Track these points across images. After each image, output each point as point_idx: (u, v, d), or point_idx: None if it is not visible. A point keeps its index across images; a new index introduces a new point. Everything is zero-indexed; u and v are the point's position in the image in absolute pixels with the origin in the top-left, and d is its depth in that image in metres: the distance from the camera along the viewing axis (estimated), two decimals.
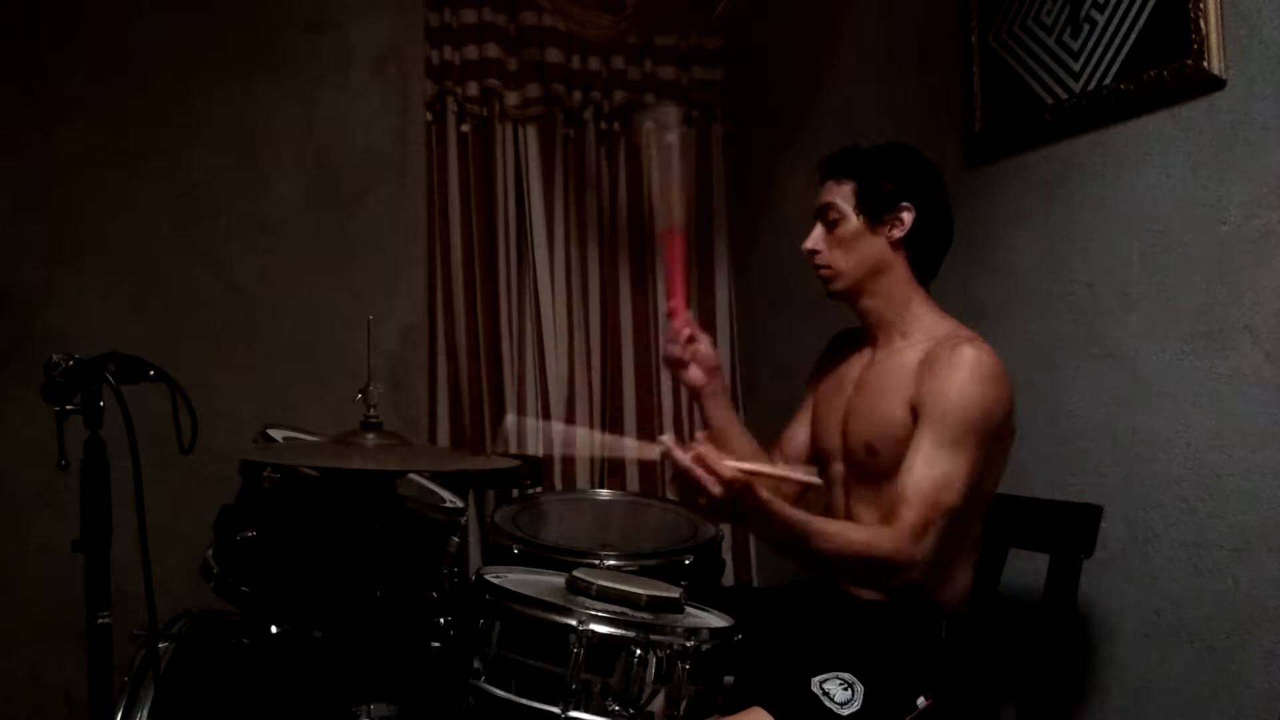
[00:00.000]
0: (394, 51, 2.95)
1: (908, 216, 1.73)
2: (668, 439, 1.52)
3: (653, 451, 1.60)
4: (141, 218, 2.76)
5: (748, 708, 1.53)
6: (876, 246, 1.74)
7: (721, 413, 1.94)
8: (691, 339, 1.89)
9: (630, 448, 1.73)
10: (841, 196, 1.76)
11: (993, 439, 1.63)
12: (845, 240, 1.75)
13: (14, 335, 2.64)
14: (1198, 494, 1.73)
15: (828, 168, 1.80)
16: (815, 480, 1.56)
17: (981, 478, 1.63)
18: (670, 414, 3.06)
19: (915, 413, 1.64)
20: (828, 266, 1.78)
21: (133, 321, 2.71)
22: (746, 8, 2.58)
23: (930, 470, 1.58)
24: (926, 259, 1.77)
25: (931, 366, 1.64)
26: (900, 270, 1.75)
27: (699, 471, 1.46)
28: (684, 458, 1.47)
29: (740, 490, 1.46)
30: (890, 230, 1.73)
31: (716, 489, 1.45)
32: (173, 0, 2.80)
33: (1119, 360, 1.88)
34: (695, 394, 1.94)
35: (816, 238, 1.78)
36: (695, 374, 1.90)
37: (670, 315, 1.91)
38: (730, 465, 1.47)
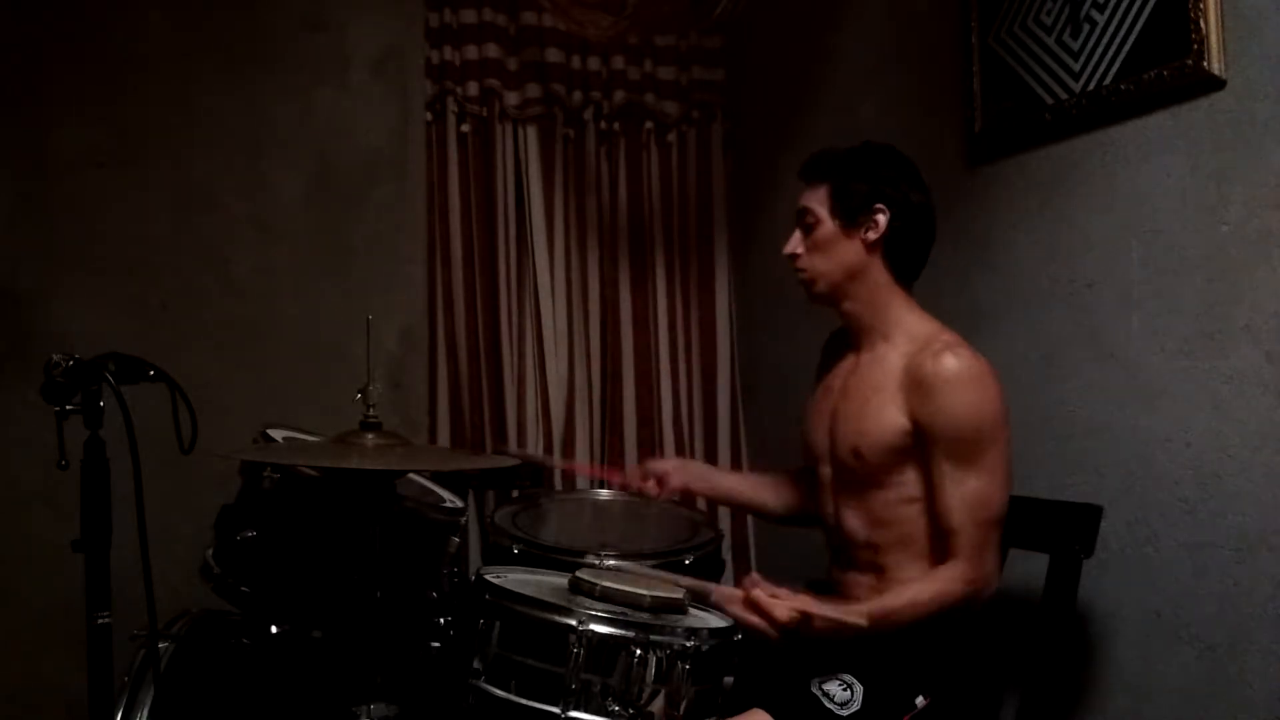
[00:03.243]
0: (394, 51, 2.95)
1: (882, 219, 1.72)
2: (717, 591, 1.62)
3: (706, 587, 1.69)
4: (141, 218, 2.76)
5: (748, 709, 1.53)
6: (852, 250, 1.74)
7: (712, 485, 2.16)
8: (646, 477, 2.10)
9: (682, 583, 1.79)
10: (817, 200, 1.76)
11: (1004, 436, 1.64)
12: (822, 244, 1.75)
13: (14, 335, 2.64)
14: (1198, 494, 1.73)
15: (804, 171, 1.81)
16: (864, 623, 1.55)
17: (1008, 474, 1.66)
18: (670, 414, 3.05)
19: (918, 432, 1.64)
20: (805, 270, 1.78)
21: (133, 321, 2.71)
22: (746, 8, 2.58)
23: (961, 492, 1.61)
24: (906, 260, 1.76)
25: (921, 385, 1.63)
26: (878, 273, 1.74)
27: (754, 619, 1.55)
28: (737, 607, 1.56)
29: (800, 624, 1.54)
30: (865, 233, 1.73)
31: (773, 632, 1.54)
32: (173, 1, 2.80)
33: (1119, 360, 1.88)
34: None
35: (795, 242, 1.79)
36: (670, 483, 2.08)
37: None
38: (785, 606, 1.54)
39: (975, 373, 1.63)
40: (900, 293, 1.76)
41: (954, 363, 1.62)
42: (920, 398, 1.63)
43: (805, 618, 1.54)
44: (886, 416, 1.67)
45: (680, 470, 2.11)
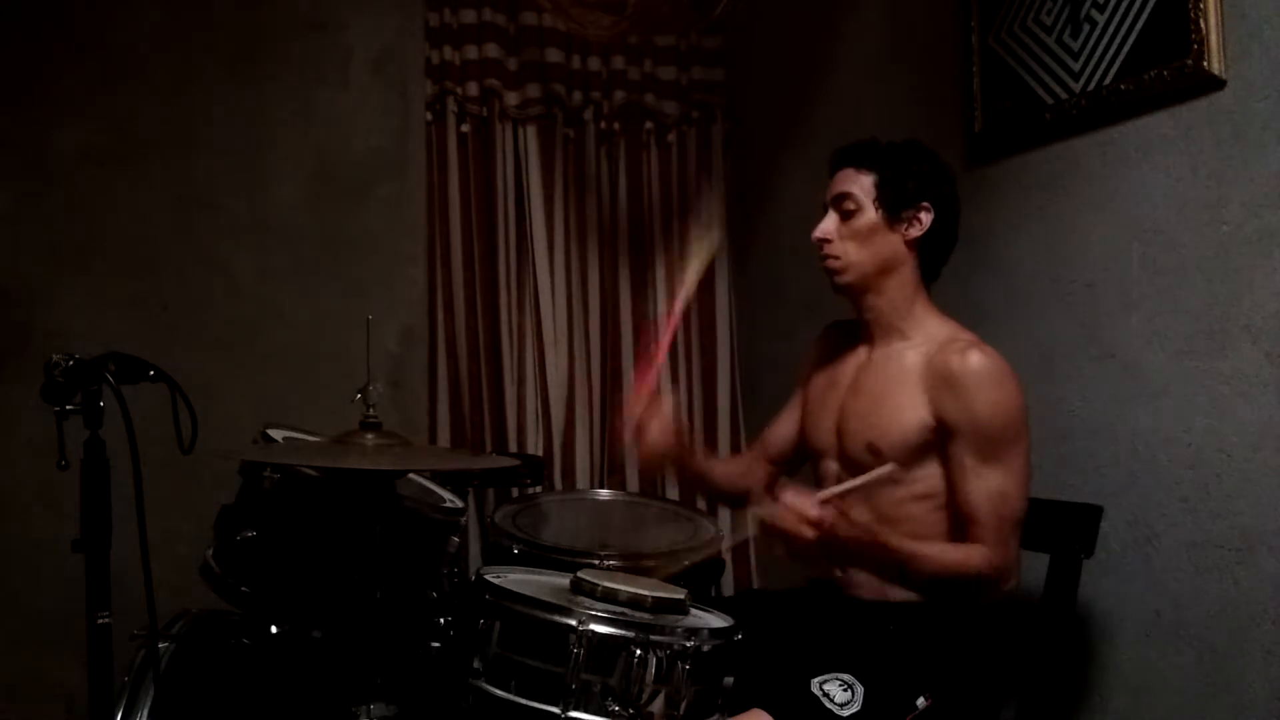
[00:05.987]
0: (394, 51, 2.95)
1: (926, 217, 1.72)
2: (756, 508, 1.61)
3: (751, 526, 1.67)
4: (141, 218, 2.76)
5: (748, 709, 1.53)
6: (891, 243, 1.73)
7: (701, 465, 2.02)
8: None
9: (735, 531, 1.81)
10: (861, 188, 1.73)
11: (1027, 435, 1.65)
12: (860, 233, 1.73)
13: (14, 335, 2.64)
14: (1198, 494, 1.73)
15: (846, 156, 1.78)
16: (889, 468, 1.62)
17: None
18: (670, 414, 3.05)
19: (942, 427, 1.65)
20: (837, 258, 1.75)
21: (133, 321, 2.71)
22: (746, 8, 2.58)
23: (986, 486, 1.62)
24: (934, 261, 1.77)
25: (949, 381, 1.64)
26: (909, 270, 1.74)
27: (789, 520, 1.54)
28: (772, 512, 1.55)
29: (833, 526, 1.55)
30: (907, 229, 1.72)
31: (810, 532, 1.54)
32: (173, 0, 2.80)
33: (1119, 360, 1.88)
34: (676, 460, 1.98)
35: (829, 226, 1.75)
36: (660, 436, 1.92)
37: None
38: (815, 504, 1.55)
39: (1002, 371, 1.64)
40: (924, 292, 1.76)
41: (982, 360, 1.63)
42: (948, 394, 1.64)
43: (839, 520, 1.56)
44: (907, 413, 1.67)
45: (666, 442, 1.93)
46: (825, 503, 1.57)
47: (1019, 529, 1.64)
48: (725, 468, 2.08)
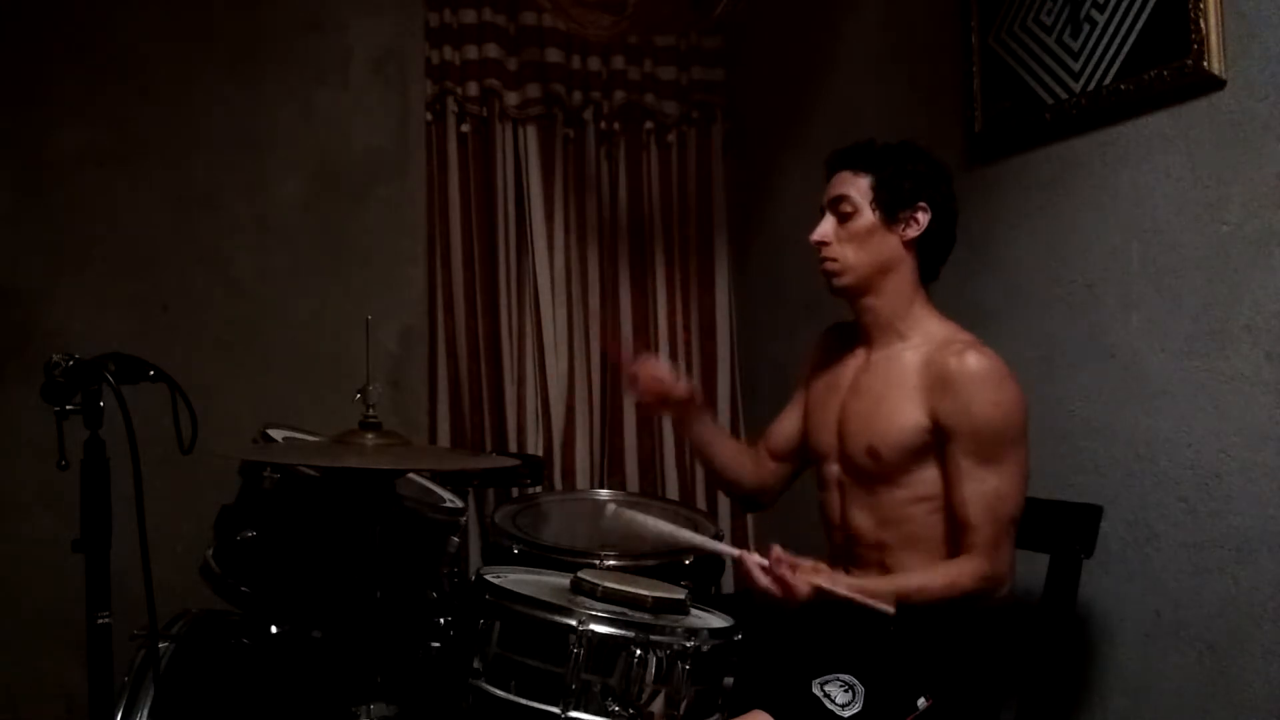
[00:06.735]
0: (394, 51, 2.95)
1: (923, 217, 1.71)
2: (745, 553, 1.60)
3: (731, 551, 1.68)
4: (141, 218, 2.76)
5: (748, 710, 1.53)
6: (889, 244, 1.73)
7: (707, 428, 1.97)
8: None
9: (707, 543, 1.85)
10: (857, 190, 1.73)
11: (1025, 437, 1.64)
12: (858, 235, 1.73)
13: (14, 335, 2.64)
14: (1198, 494, 1.73)
15: (842, 159, 1.77)
16: (889, 610, 1.55)
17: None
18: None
19: (938, 429, 1.65)
20: (836, 260, 1.75)
21: (133, 321, 2.71)
22: (746, 8, 2.58)
23: (981, 489, 1.61)
24: (932, 261, 1.76)
25: (945, 383, 1.63)
26: (907, 271, 1.74)
27: (777, 591, 1.54)
28: (761, 577, 1.55)
29: (819, 596, 1.55)
30: (905, 229, 1.72)
31: (793, 605, 1.55)
32: (173, 1, 2.80)
33: (1119, 360, 1.88)
34: (683, 413, 1.93)
35: (827, 229, 1.75)
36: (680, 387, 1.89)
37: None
38: (807, 583, 1.54)
39: (1000, 373, 1.64)
40: (922, 292, 1.76)
41: (979, 361, 1.63)
42: (944, 395, 1.63)
43: (824, 594, 1.54)
44: (905, 415, 1.67)
45: (676, 393, 1.90)
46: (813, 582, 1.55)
47: (1013, 531, 1.64)
48: (731, 448, 1.99)
